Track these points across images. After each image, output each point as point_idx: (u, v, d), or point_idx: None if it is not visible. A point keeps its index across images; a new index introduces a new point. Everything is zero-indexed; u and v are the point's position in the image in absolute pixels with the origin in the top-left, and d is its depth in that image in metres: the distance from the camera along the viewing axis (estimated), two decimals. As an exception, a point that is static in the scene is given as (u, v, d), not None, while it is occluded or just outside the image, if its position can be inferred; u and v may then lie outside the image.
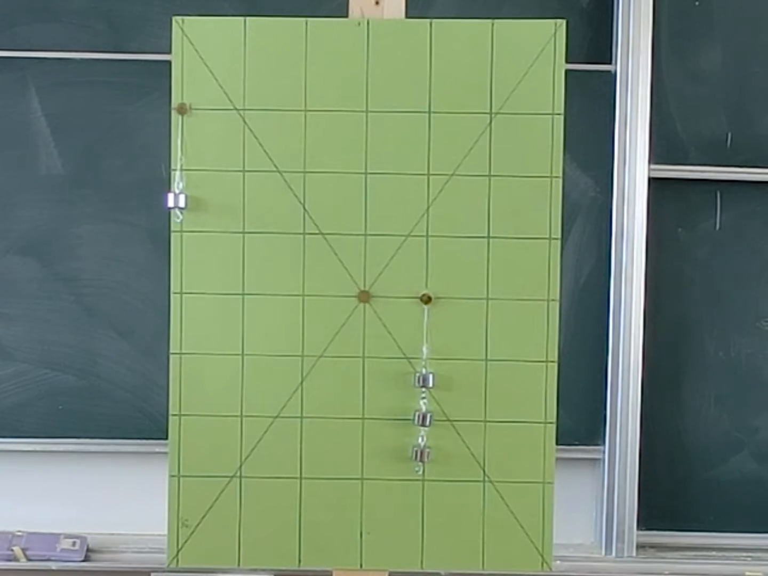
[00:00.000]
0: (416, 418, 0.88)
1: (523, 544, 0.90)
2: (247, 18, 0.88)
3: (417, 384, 0.89)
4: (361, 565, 0.89)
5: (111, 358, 1.61)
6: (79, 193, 1.60)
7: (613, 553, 1.64)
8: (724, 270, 1.64)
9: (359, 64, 0.89)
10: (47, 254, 1.60)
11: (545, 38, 0.89)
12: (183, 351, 0.90)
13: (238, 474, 0.91)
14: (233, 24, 0.89)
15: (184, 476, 0.91)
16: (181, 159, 0.89)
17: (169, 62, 0.89)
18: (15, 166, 1.60)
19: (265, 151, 0.90)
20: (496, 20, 0.89)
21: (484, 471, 0.90)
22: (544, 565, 0.91)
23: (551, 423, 0.90)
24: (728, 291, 1.64)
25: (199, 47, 0.89)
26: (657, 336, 1.62)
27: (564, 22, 0.89)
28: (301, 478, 0.91)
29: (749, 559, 1.66)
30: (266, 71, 0.90)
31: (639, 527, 1.64)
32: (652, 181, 1.59)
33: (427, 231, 0.90)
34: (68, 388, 1.61)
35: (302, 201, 0.90)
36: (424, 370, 0.89)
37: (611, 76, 1.59)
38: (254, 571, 0.96)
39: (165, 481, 0.91)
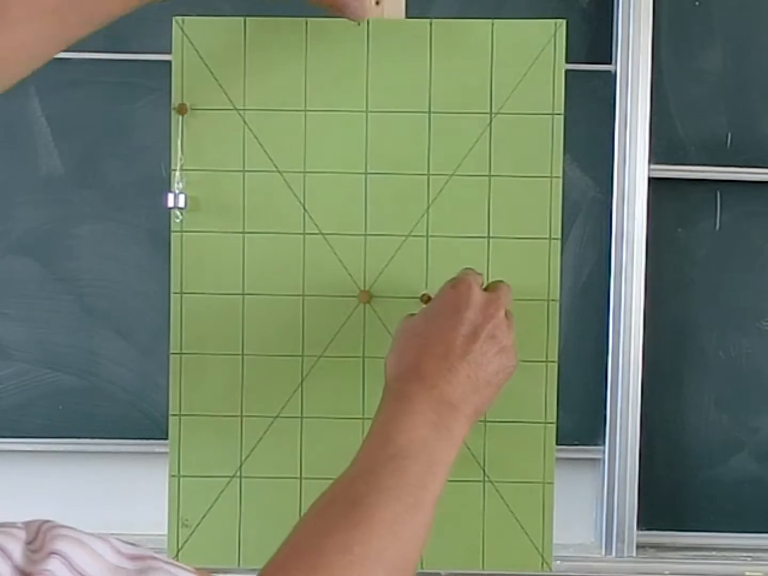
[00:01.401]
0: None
1: (523, 544, 0.91)
2: (247, 18, 0.89)
3: (417, 384, 0.88)
4: (361, 565, 0.89)
5: (111, 358, 1.61)
6: (79, 193, 1.60)
7: (613, 553, 1.64)
8: (724, 270, 1.64)
9: (359, 64, 0.89)
10: (47, 254, 1.60)
11: (545, 38, 0.89)
12: (183, 351, 0.91)
13: (238, 474, 0.91)
14: (233, 24, 0.89)
15: (184, 476, 0.91)
16: (180, 159, 0.89)
17: (169, 62, 0.89)
18: (15, 166, 1.60)
19: (265, 151, 0.90)
20: (495, 20, 0.89)
21: (484, 471, 0.90)
22: (544, 565, 0.91)
23: (551, 423, 0.90)
24: (728, 291, 1.64)
25: (199, 47, 0.89)
26: (657, 336, 1.62)
27: (564, 22, 0.89)
28: (301, 478, 0.91)
29: (749, 559, 1.66)
30: (266, 71, 0.90)
31: (639, 527, 1.64)
32: (652, 181, 1.59)
33: (427, 231, 0.90)
34: (68, 388, 1.61)
35: (302, 201, 0.90)
36: (423, 370, 0.88)
37: (611, 76, 1.59)
38: (254, 571, 0.95)
39: (165, 481, 0.91)
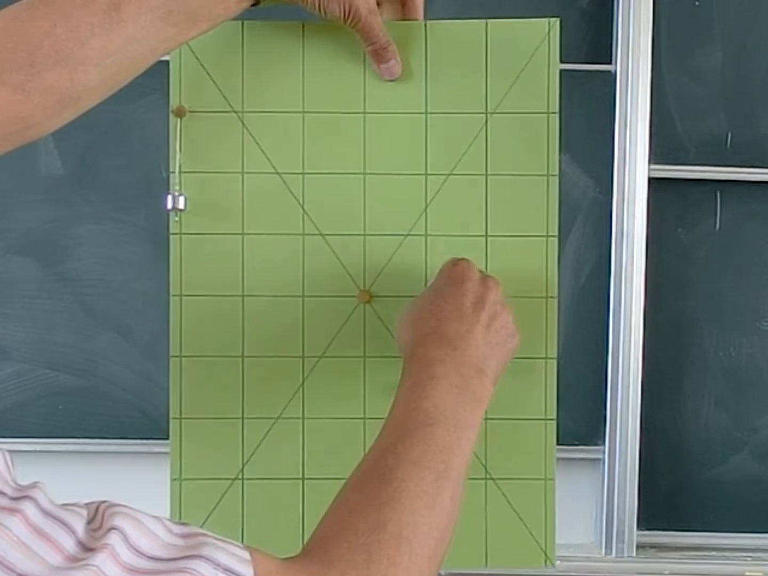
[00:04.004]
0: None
1: (525, 541, 0.91)
2: (245, 21, 0.88)
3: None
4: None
5: (111, 358, 1.61)
6: (79, 193, 1.60)
7: (613, 553, 1.64)
8: (724, 270, 1.64)
9: (357, 65, 0.89)
10: (47, 254, 1.60)
11: (540, 37, 0.89)
12: (183, 354, 0.90)
13: (240, 476, 0.91)
14: (230, 27, 0.88)
15: (185, 479, 0.91)
16: (179, 161, 0.89)
17: (168, 63, 0.89)
18: (15, 166, 1.60)
19: (263, 152, 0.90)
20: (490, 20, 0.89)
21: (485, 469, 0.90)
22: (547, 561, 0.91)
23: (551, 420, 0.91)
24: (728, 291, 1.64)
25: (196, 50, 0.89)
26: (657, 336, 1.62)
27: (558, 20, 0.89)
28: (303, 479, 0.91)
29: (749, 559, 1.66)
30: (264, 73, 0.90)
31: (639, 527, 1.64)
32: (652, 181, 1.59)
33: (426, 230, 0.90)
34: (68, 388, 1.61)
35: (301, 202, 0.90)
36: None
37: (611, 76, 1.59)
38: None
39: (165, 481, 0.91)
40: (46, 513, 0.49)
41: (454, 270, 0.81)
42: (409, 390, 0.74)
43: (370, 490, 0.66)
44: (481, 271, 0.84)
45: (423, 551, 0.63)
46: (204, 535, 0.54)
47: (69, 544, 0.49)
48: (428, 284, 0.85)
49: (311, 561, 0.60)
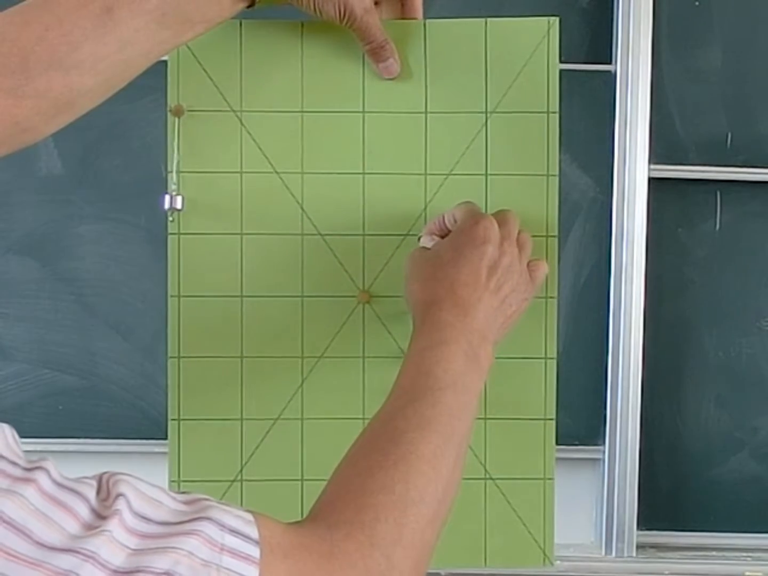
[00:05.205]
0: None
1: (524, 540, 0.91)
2: (243, 20, 0.88)
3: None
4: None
5: (111, 358, 1.61)
6: (79, 193, 1.60)
7: (613, 553, 1.64)
8: (724, 270, 1.64)
9: (355, 65, 0.89)
10: (47, 254, 1.60)
11: (539, 36, 0.89)
12: (181, 355, 0.90)
13: (239, 477, 0.91)
14: (229, 26, 0.88)
15: (184, 481, 0.90)
16: (177, 161, 0.89)
17: (166, 62, 0.89)
18: (15, 166, 1.60)
19: (262, 152, 0.90)
20: (489, 19, 0.89)
21: (485, 468, 0.90)
22: (546, 560, 0.91)
23: (551, 419, 0.91)
24: (728, 291, 1.64)
25: (194, 49, 0.89)
26: (657, 336, 1.62)
27: (557, 19, 0.89)
28: (302, 479, 0.91)
29: (749, 559, 1.66)
30: (263, 73, 0.90)
31: (639, 527, 1.64)
32: (652, 181, 1.59)
33: (426, 230, 0.90)
34: (68, 388, 1.61)
35: (300, 202, 0.90)
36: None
37: (611, 76, 1.59)
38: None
39: (165, 481, 0.91)
40: (59, 483, 0.51)
41: (476, 229, 0.80)
42: (421, 353, 0.75)
43: (378, 452, 0.66)
44: (497, 216, 0.83)
45: (428, 513, 0.64)
46: (207, 500, 0.56)
47: (84, 512, 0.50)
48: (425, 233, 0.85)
49: (317, 524, 0.61)
